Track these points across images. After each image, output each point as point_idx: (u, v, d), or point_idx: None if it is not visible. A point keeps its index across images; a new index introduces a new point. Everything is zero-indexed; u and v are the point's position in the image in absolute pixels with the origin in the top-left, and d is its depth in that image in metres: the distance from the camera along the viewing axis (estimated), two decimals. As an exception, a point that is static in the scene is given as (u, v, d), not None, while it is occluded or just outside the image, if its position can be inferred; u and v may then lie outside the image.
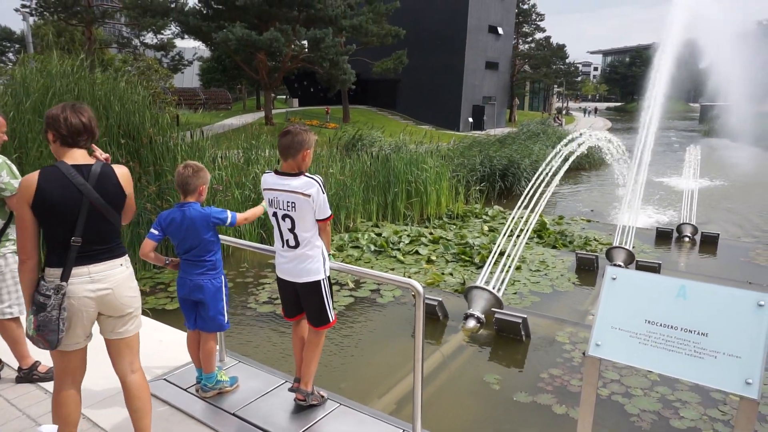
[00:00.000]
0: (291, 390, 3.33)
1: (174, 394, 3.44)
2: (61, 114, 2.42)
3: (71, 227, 2.40)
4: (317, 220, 3.01)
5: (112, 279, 2.52)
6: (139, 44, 30.75)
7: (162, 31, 28.79)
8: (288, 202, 2.96)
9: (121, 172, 2.55)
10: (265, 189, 3.06)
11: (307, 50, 26.07)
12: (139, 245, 7.15)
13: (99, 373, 3.66)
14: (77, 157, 2.47)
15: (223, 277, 3.32)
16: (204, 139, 9.60)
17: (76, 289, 2.43)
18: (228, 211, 3.29)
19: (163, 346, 4.15)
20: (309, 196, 2.91)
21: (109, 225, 2.52)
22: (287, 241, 3.04)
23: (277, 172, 3.03)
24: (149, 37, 30.74)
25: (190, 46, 35.81)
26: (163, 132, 8.45)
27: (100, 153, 2.68)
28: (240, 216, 3.36)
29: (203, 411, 3.29)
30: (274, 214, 3.05)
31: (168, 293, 6.73)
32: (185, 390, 3.50)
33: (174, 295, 6.52)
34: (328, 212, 3.02)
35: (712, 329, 2.15)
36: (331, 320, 3.16)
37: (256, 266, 7.82)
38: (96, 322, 2.60)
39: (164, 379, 3.63)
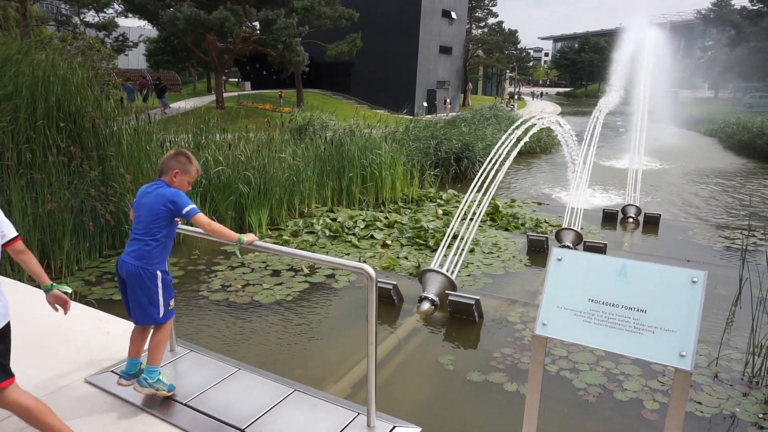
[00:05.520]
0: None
1: (122, 387, 3.33)
2: None
3: None
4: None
5: None
6: (79, 22, 29.18)
7: (105, 9, 27.40)
8: None
9: None
10: None
11: (258, 32, 25.43)
12: (82, 232, 6.90)
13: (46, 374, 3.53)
14: None
15: (159, 271, 3.08)
16: (151, 123, 9.26)
17: None
18: (193, 204, 3.03)
19: (111, 337, 4.02)
20: None
21: None
22: None
23: None
24: (90, 15, 29.22)
25: (135, 25, 34.25)
26: (107, 115, 8.08)
27: None
28: (205, 218, 3.06)
29: (154, 402, 3.21)
30: None
31: (114, 283, 6.50)
32: (134, 381, 3.39)
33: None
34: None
35: (650, 306, 2.25)
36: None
37: (209, 253, 7.66)
38: None
39: (112, 371, 3.52)
